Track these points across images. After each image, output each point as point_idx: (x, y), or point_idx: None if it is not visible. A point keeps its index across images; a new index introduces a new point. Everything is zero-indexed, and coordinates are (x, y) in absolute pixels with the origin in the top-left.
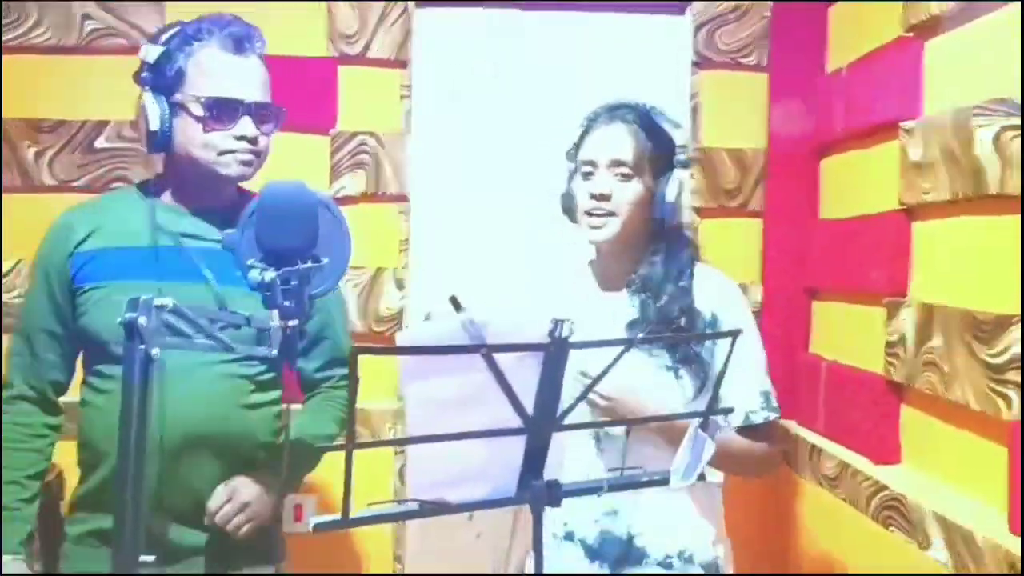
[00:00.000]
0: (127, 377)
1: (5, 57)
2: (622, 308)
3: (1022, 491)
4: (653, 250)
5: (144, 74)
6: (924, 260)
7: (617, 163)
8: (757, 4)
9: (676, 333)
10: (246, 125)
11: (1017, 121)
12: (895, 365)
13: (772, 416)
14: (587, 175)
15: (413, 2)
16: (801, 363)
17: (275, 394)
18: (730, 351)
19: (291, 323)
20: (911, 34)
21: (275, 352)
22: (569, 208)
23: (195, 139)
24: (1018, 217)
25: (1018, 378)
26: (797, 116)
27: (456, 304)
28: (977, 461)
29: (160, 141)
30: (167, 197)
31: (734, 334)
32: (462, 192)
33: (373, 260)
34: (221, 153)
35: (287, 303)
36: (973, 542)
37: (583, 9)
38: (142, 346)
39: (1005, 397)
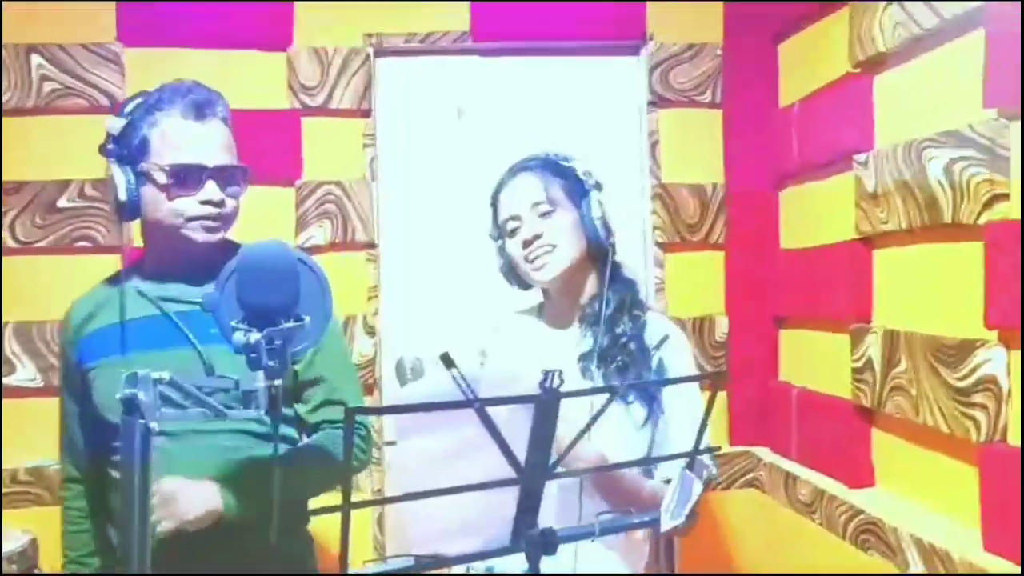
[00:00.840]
0: (127, 451)
1: None
2: (571, 343)
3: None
4: (600, 283)
5: (109, 146)
6: (886, 287)
7: (535, 204)
8: (709, 44)
9: (652, 379)
10: (211, 190)
11: (967, 152)
12: (863, 390)
13: (714, 471)
14: (514, 231)
15: (373, 51)
16: (771, 391)
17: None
18: (713, 394)
19: (276, 382)
20: (859, 70)
21: (263, 413)
22: (512, 273)
23: (162, 207)
24: (976, 244)
25: (986, 401)
26: (753, 150)
27: (448, 361)
28: (949, 482)
29: (130, 210)
30: (147, 264)
31: (720, 375)
32: (430, 236)
33: (343, 308)
34: (188, 219)
35: (271, 363)
36: (951, 561)
37: (541, 54)
38: (141, 420)
39: (974, 419)
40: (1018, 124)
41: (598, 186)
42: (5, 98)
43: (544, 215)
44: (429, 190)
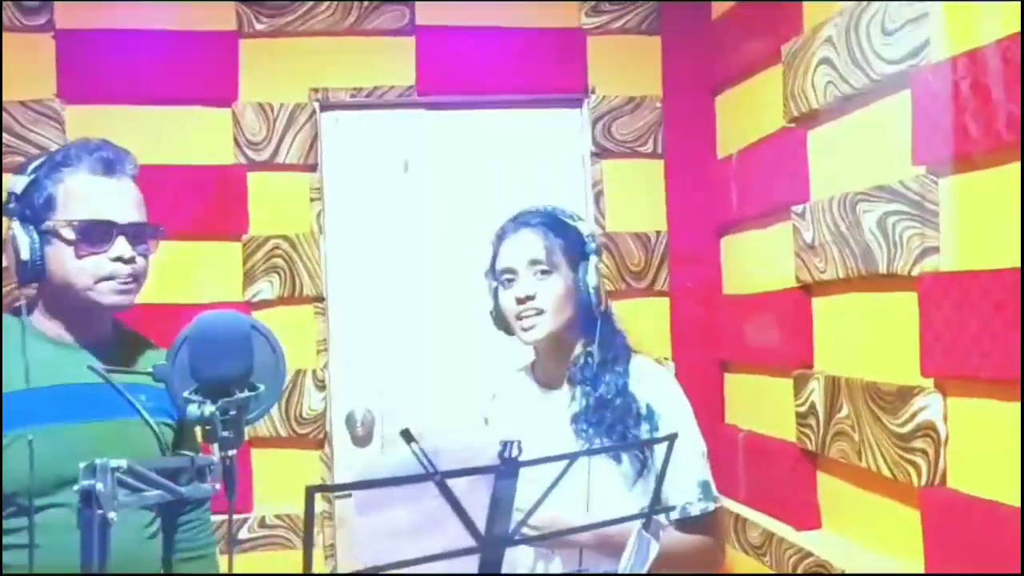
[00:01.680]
0: (86, 545)
1: None
2: (563, 404)
3: None
4: (587, 342)
5: (10, 205)
6: (826, 333)
7: (533, 263)
8: (649, 96)
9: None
10: (121, 246)
11: (899, 207)
12: (808, 435)
13: (711, 506)
14: (509, 282)
15: (319, 105)
16: (718, 434)
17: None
18: (667, 454)
19: (231, 453)
20: (793, 124)
21: (218, 487)
22: (501, 321)
23: (68, 265)
24: (911, 294)
25: (926, 446)
26: (694, 199)
27: (408, 436)
28: (893, 524)
29: (32, 271)
30: (44, 325)
31: (671, 438)
32: (377, 289)
33: (292, 363)
34: (98, 280)
35: (226, 434)
36: None
37: (486, 107)
38: (100, 511)
39: (915, 464)
40: (946, 181)
41: (598, 251)
42: None
43: (540, 276)
44: (376, 243)
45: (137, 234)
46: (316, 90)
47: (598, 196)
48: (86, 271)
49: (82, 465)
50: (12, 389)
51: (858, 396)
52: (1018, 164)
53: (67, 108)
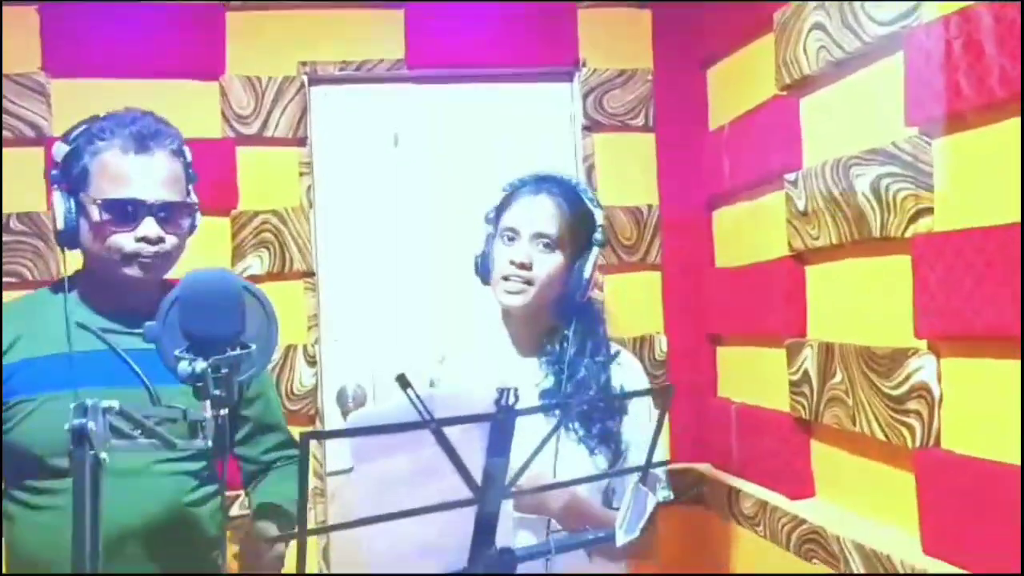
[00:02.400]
0: (79, 485)
1: None
2: (531, 374)
3: None
4: (566, 322)
5: (53, 172)
6: (819, 301)
7: (540, 235)
8: (640, 69)
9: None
10: (149, 226)
11: (892, 169)
12: (801, 403)
13: (671, 497)
14: (509, 240)
15: (307, 79)
16: (711, 407)
17: (215, 487)
18: (666, 404)
19: (222, 412)
20: (785, 93)
21: (209, 443)
22: (484, 269)
23: (98, 240)
24: (904, 257)
25: (919, 407)
26: (686, 171)
27: (404, 382)
28: (887, 488)
29: (68, 239)
30: (86, 293)
31: (668, 389)
32: (368, 264)
33: (283, 338)
34: (124, 256)
35: (218, 392)
36: (892, 565)
37: (476, 80)
38: (91, 451)
39: (908, 426)
40: (939, 141)
41: (603, 242)
42: None
43: (543, 249)
44: (366, 217)
45: (168, 213)
46: (305, 63)
47: (589, 170)
48: (113, 247)
49: (72, 406)
50: (35, 351)
51: (852, 361)
52: (1012, 120)
53: (52, 82)
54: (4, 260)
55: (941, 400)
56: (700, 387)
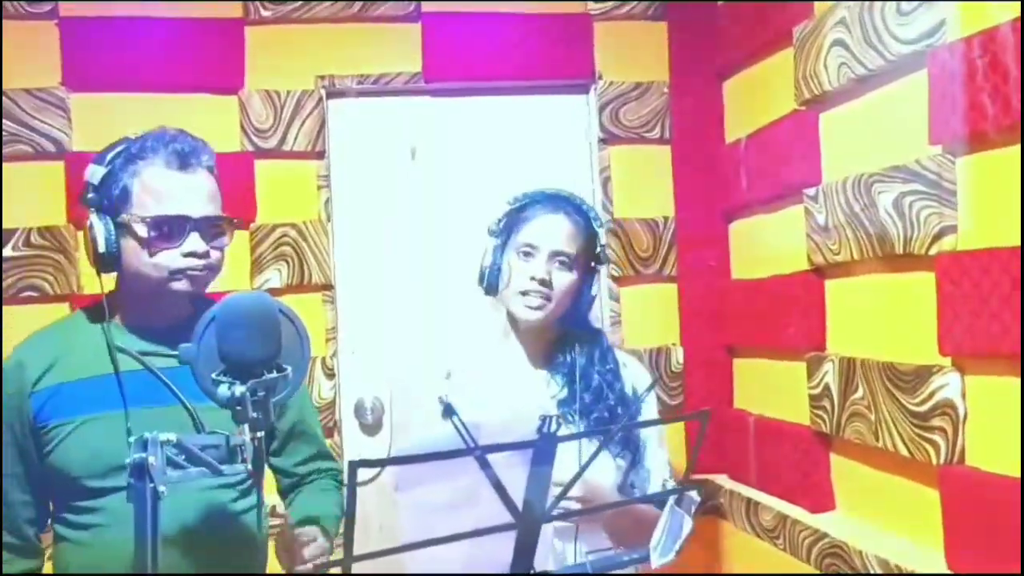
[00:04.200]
0: (140, 517)
1: None
2: (544, 384)
3: None
4: (572, 336)
5: (89, 195)
6: (839, 316)
7: (559, 253)
8: (656, 82)
9: (633, 421)
10: (195, 241)
11: (916, 187)
12: (822, 417)
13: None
14: (526, 255)
15: (325, 93)
16: (728, 419)
17: (254, 499)
18: (702, 429)
19: (259, 434)
20: (805, 107)
21: (250, 466)
22: (492, 280)
23: (143, 259)
24: (927, 274)
25: (944, 424)
26: (702, 184)
27: (449, 410)
28: (909, 503)
29: (110, 262)
30: (120, 319)
31: (704, 415)
32: (386, 276)
33: None
34: (172, 272)
35: (255, 415)
36: None
37: (493, 93)
38: (151, 484)
39: (933, 443)
40: (962, 160)
41: (606, 259)
42: None
43: (559, 267)
44: (384, 230)
45: (211, 228)
46: (323, 77)
47: (606, 182)
48: (159, 265)
49: (132, 439)
50: (70, 374)
51: (874, 377)
52: None
53: (72, 96)
54: (26, 274)
55: (966, 417)
56: (717, 398)
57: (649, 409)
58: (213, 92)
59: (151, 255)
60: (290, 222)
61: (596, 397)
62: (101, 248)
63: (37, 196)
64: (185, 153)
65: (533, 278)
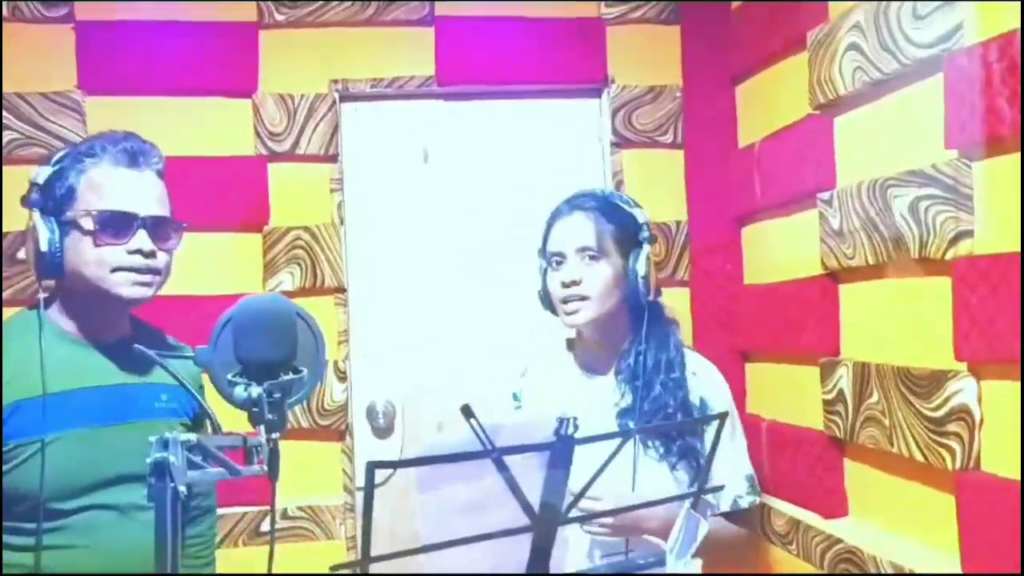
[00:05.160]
0: (160, 517)
1: None
2: (608, 393)
3: None
4: (637, 336)
5: (32, 196)
6: (853, 320)
7: (582, 249)
8: (669, 86)
9: (667, 422)
10: (141, 238)
11: (932, 191)
12: (836, 422)
13: (757, 500)
14: (557, 264)
15: (339, 96)
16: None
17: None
18: (718, 432)
19: (275, 436)
20: (819, 112)
21: (266, 468)
22: (547, 301)
23: (86, 256)
24: (943, 279)
25: (959, 430)
26: (715, 188)
27: (468, 412)
28: (924, 509)
29: (51, 264)
30: (61, 320)
31: (721, 416)
32: (398, 279)
33: None
34: (114, 270)
35: (271, 416)
36: None
37: (505, 97)
38: (172, 484)
39: (948, 448)
40: (979, 164)
41: (651, 239)
42: None
43: (588, 262)
44: (397, 233)
45: (159, 228)
46: (336, 81)
47: (618, 186)
48: (103, 261)
49: (152, 439)
50: (31, 390)
51: (889, 382)
52: None
53: (87, 99)
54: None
55: (982, 423)
56: None
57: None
58: (227, 95)
59: (96, 246)
60: (303, 225)
61: (656, 407)
62: (43, 247)
63: None
64: (134, 152)
65: (563, 283)
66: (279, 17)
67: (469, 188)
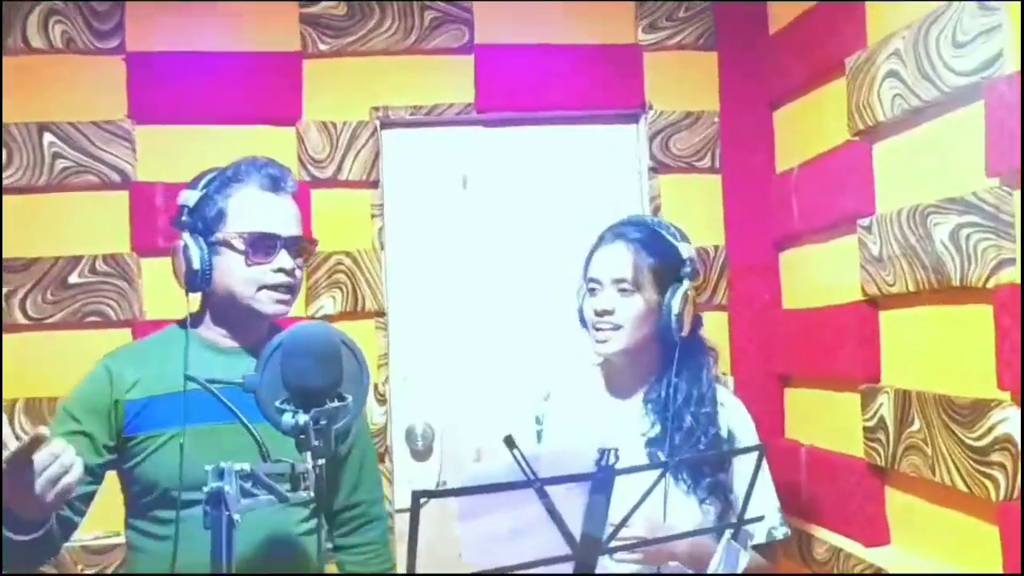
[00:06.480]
0: (216, 544)
1: None
2: (635, 421)
3: None
4: (669, 368)
5: (183, 218)
6: (893, 347)
7: (618, 280)
8: (707, 111)
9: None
10: (283, 258)
11: (973, 219)
12: (876, 449)
13: (788, 532)
14: (592, 291)
15: (380, 123)
16: (778, 449)
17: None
18: (758, 464)
19: (320, 462)
20: (858, 138)
21: (312, 493)
22: (582, 322)
23: (236, 274)
24: (984, 306)
25: (1003, 459)
26: (752, 213)
27: (510, 443)
28: (967, 538)
29: (200, 280)
30: (207, 334)
31: (761, 448)
32: (438, 303)
33: None
34: (260, 288)
35: (318, 443)
36: None
37: (543, 123)
38: (227, 513)
39: (991, 478)
40: (1021, 192)
41: (693, 274)
42: (15, 176)
43: (623, 293)
44: (436, 258)
45: (297, 247)
46: (377, 108)
47: (656, 211)
48: (251, 280)
49: (208, 468)
50: (161, 388)
51: (931, 410)
52: None
53: (137, 128)
54: (90, 299)
55: None
56: (768, 428)
57: (747, 467)
58: (271, 124)
59: (247, 265)
60: (344, 250)
61: (685, 439)
62: (195, 265)
63: (102, 225)
64: (276, 177)
65: (596, 311)
66: (322, 47)
67: (507, 214)
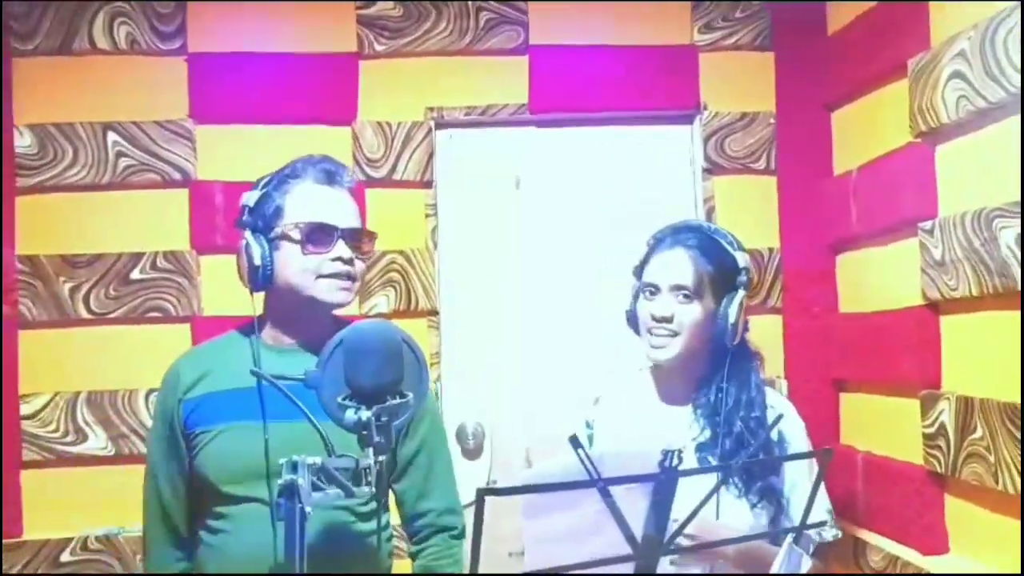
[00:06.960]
0: (290, 535)
1: (42, 197)
2: (685, 426)
3: None
4: (719, 373)
5: (245, 218)
6: (954, 353)
7: (678, 287)
8: (763, 112)
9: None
10: (341, 248)
11: None
12: (936, 456)
13: (840, 534)
14: (651, 295)
15: (434, 123)
16: (834, 455)
17: (373, 524)
18: (823, 467)
19: (381, 458)
20: (920, 140)
21: (374, 489)
22: (633, 323)
23: (294, 265)
24: None
25: None
26: (808, 215)
27: (576, 443)
28: None
29: (262, 276)
30: (267, 334)
31: (828, 453)
32: (489, 303)
33: None
34: (319, 277)
35: (379, 439)
36: None
37: (597, 124)
38: (299, 504)
39: None
40: None
41: (748, 284)
42: (79, 175)
43: (682, 300)
44: (488, 257)
45: (355, 238)
46: (432, 108)
47: (710, 212)
48: (309, 269)
49: (282, 461)
50: (217, 386)
51: (994, 417)
52: None
53: (198, 128)
54: (151, 295)
55: None
56: (823, 434)
57: (800, 474)
58: (328, 124)
59: (304, 255)
60: (398, 249)
61: (736, 444)
62: (256, 261)
63: (162, 222)
64: (331, 172)
65: (654, 316)
66: (378, 48)
67: (560, 215)
